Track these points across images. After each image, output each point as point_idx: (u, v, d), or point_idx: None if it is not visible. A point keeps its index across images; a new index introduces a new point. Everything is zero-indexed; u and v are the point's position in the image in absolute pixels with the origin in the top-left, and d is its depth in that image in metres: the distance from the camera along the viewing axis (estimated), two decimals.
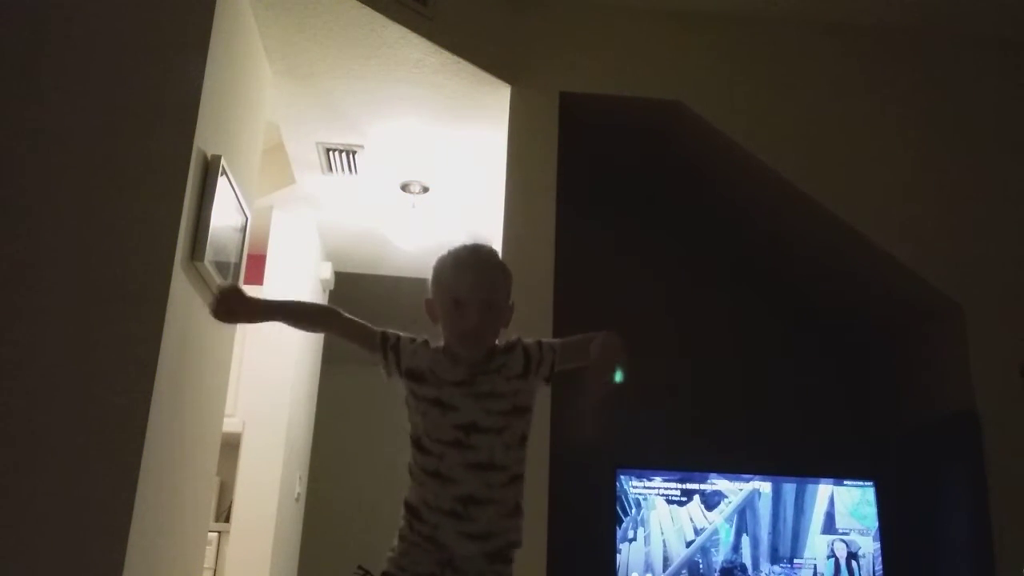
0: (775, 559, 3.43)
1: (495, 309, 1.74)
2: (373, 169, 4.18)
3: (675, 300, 4.12)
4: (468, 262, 1.75)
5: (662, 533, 3.42)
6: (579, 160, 3.61)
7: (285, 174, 4.30)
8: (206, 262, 2.61)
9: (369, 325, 1.83)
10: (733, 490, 3.47)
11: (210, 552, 4.05)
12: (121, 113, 2.53)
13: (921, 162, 3.58)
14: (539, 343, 1.80)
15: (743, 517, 3.45)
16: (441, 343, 1.78)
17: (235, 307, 1.83)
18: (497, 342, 1.79)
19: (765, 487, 3.49)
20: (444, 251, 1.80)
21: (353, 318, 1.85)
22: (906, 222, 3.49)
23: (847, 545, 3.44)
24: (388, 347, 1.78)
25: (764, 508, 3.47)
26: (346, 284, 5.44)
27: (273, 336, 4.43)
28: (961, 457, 3.27)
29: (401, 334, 1.80)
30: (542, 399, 3.09)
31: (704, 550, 3.42)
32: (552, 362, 1.78)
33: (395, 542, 1.75)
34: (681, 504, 3.45)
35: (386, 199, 4.42)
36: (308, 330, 2.03)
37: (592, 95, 3.56)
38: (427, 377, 1.74)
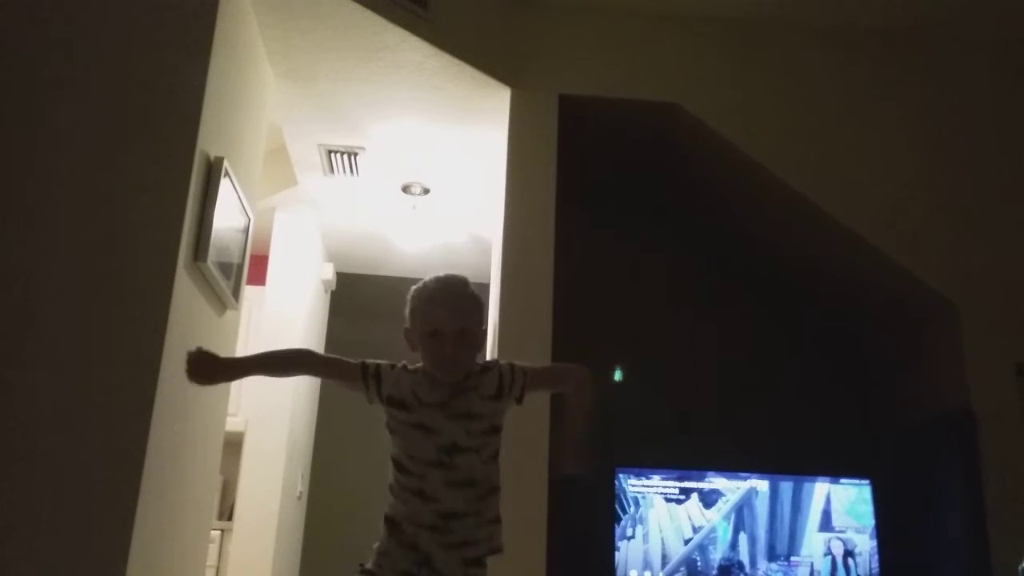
0: (772, 557, 3.45)
1: (469, 336, 1.84)
2: (374, 171, 4.21)
3: (673, 301, 4.15)
4: (442, 295, 1.85)
5: (660, 531, 3.45)
6: (578, 162, 3.64)
7: (287, 176, 4.33)
8: (209, 263, 2.64)
9: (345, 359, 1.91)
10: (731, 488, 3.50)
11: (213, 550, 4.08)
12: (124, 115, 2.56)
13: (918, 164, 3.60)
14: (512, 367, 1.89)
15: (741, 515, 3.48)
16: (420, 365, 1.87)
17: (209, 371, 1.89)
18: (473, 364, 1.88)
19: (762, 485, 3.51)
20: (419, 283, 1.90)
21: (329, 356, 1.98)
22: (903, 224, 3.51)
23: (843, 543, 3.46)
24: (369, 376, 1.86)
25: (761, 506, 3.49)
26: (347, 285, 5.47)
27: (276, 336, 4.46)
28: (957, 455, 3.29)
29: (380, 362, 1.89)
30: (542, 400, 3.14)
31: (702, 548, 3.45)
32: (523, 385, 1.87)
33: (377, 544, 1.84)
34: (679, 502, 3.48)
35: (387, 200, 4.45)
36: (286, 376, 2.10)
37: (591, 97, 3.59)
38: (408, 403, 1.83)
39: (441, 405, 1.82)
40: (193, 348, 1.83)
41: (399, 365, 1.88)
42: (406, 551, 1.78)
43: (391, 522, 1.82)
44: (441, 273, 1.91)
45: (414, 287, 1.89)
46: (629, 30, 3.67)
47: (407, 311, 1.88)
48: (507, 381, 1.86)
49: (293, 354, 2.02)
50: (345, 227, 4.86)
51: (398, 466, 1.83)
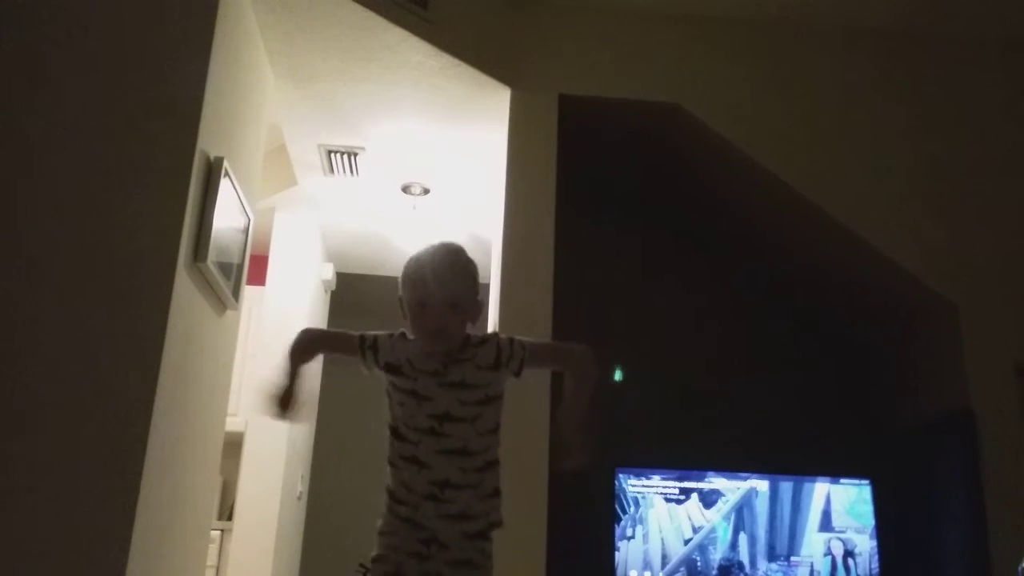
0: (772, 557, 3.45)
1: (460, 308, 1.81)
2: (374, 171, 4.21)
3: (673, 301, 4.15)
4: (434, 265, 1.82)
5: (660, 531, 3.45)
6: (578, 162, 3.63)
7: (287, 176, 4.33)
8: (209, 263, 2.64)
9: (346, 331, 1.92)
10: (731, 488, 3.50)
11: (213, 550, 4.08)
12: (124, 115, 2.56)
13: (918, 164, 3.60)
14: (511, 340, 1.87)
15: (741, 515, 3.48)
16: None
17: (288, 398, 1.90)
18: (472, 335, 1.86)
19: (762, 485, 3.51)
20: (413, 252, 1.87)
21: (331, 330, 2.00)
22: (903, 225, 3.51)
23: (843, 543, 3.46)
24: (366, 348, 1.87)
25: (761, 506, 3.49)
26: (347, 285, 5.46)
27: (275, 335, 4.46)
28: (957, 455, 3.29)
29: (379, 333, 1.88)
30: (541, 398, 3.13)
31: (702, 548, 3.45)
32: (521, 359, 1.84)
33: (379, 523, 1.82)
34: (679, 502, 3.48)
35: (387, 200, 4.45)
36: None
37: (591, 98, 3.59)
38: (404, 369, 1.82)
39: (434, 373, 1.80)
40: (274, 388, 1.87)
41: (396, 333, 1.87)
42: (408, 530, 1.77)
43: (390, 494, 1.81)
44: (437, 242, 1.88)
45: (409, 257, 1.87)
46: (629, 30, 3.67)
47: (400, 278, 1.86)
48: (505, 354, 1.83)
49: (307, 338, 2.00)
50: (345, 227, 4.86)
51: (394, 433, 1.83)
